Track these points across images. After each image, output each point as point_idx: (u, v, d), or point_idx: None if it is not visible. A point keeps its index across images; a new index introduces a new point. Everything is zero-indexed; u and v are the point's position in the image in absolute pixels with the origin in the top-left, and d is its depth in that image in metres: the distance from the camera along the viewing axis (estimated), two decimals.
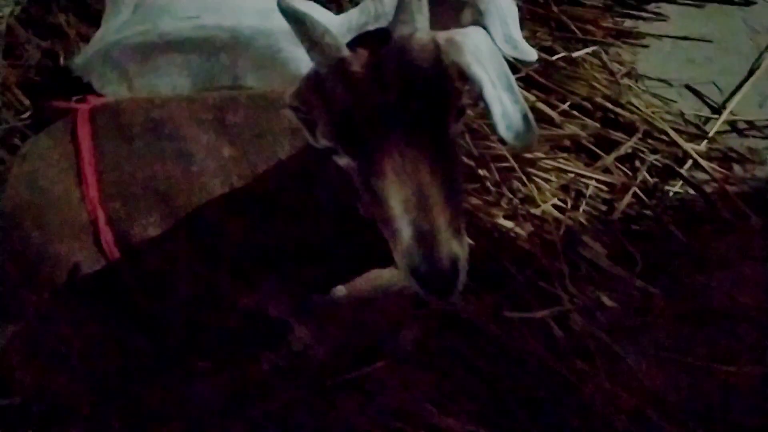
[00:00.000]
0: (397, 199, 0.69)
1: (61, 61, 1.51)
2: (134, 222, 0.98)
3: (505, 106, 0.78)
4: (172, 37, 1.18)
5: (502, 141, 1.23)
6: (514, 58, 1.06)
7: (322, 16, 1.23)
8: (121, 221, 0.98)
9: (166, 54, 1.19)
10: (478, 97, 0.78)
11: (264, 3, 1.25)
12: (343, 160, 0.76)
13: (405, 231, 0.69)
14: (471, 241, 1.17)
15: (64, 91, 1.21)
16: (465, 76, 0.75)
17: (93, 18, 1.56)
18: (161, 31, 1.19)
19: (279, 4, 0.75)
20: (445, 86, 0.73)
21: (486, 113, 0.79)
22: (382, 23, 1.10)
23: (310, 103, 0.76)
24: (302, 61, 1.15)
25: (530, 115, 0.78)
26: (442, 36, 0.77)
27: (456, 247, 0.69)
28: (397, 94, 0.71)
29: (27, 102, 1.45)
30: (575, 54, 1.42)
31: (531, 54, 1.06)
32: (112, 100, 1.10)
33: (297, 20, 0.74)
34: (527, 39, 1.35)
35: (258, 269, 1.02)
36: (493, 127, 0.76)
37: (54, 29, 1.57)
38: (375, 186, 0.71)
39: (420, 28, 0.74)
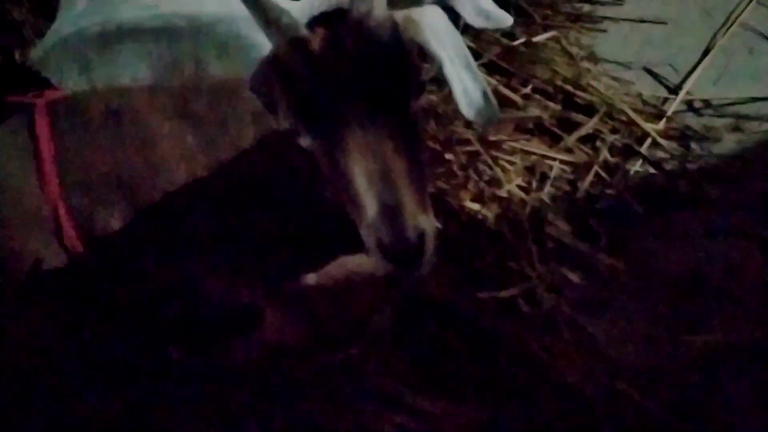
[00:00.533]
0: (361, 174, 0.70)
1: (16, 56, 1.48)
2: (97, 213, 0.96)
3: (465, 83, 0.79)
4: (131, 26, 1.16)
5: (466, 121, 1.26)
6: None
7: (282, 1, 1.22)
8: (84, 213, 0.96)
9: (126, 44, 1.17)
10: (439, 75, 0.78)
11: None
12: (305, 141, 0.76)
13: (370, 205, 0.69)
14: (439, 225, 1.18)
15: (20, 87, 1.19)
16: (423, 54, 0.76)
17: (48, 12, 1.53)
18: (120, 21, 1.16)
19: None
20: (404, 62, 0.74)
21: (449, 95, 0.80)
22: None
23: (271, 85, 0.76)
24: (264, 47, 1.14)
25: (490, 92, 0.78)
26: (399, 14, 0.77)
27: (422, 220, 0.69)
28: (357, 70, 0.71)
29: None
30: (535, 39, 1.43)
31: (506, 20, 1.05)
32: (71, 93, 1.09)
33: (253, 2, 0.74)
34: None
35: (226, 256, 1.01)
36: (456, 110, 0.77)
37: (8, 24, 1.54)
38: (339, 163, 0.71)
39: (377, 5, 0.74)
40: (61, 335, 1.00)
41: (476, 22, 1.04)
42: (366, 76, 0.71)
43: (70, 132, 1.00)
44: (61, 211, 0.95)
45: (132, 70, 1.20)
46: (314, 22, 0.77)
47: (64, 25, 1.24)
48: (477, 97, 0.78)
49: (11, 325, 0.99)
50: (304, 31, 0.73)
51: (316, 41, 0.73)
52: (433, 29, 0.79)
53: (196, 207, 0.98)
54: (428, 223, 0.70)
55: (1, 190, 0.97)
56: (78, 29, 1.20)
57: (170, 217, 0.98)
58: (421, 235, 0.68)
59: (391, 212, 0.68)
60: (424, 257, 0.70)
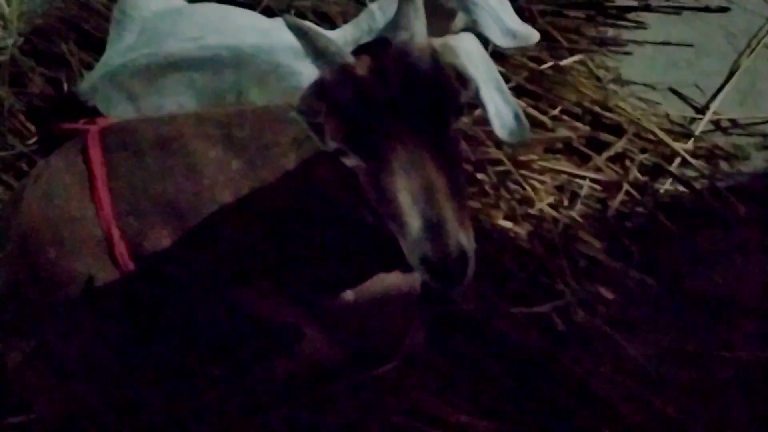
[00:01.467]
0: (405, 192, 0.73)
1: (65, 88, 1.55)
2: (147, 236, 1.00)
3: (498, 105, 0.83)
4: (177, 58, 1.22)
5: (497, 141, 1.29)
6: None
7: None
8: (135, 236, 1.00)
9: (172, 74, 1.23)
10: (474, 97, 0.82)
11: (263, 23, 1.30)
12: (351, 161, 0.80)
13: (414, 223, 0.72)
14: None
15: (69, 117, 1.24)
16: (460, 78, 0.80)
17: (94, 46, 1.60)
18: (166, 53, 1.22)
19: (285, 20, 0.79)
20: (444, 85, 0.77)
21: (483, 116, 0.83)
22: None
23: (318, 109, 0.80)
24: (302, 75, 1.19)
25: (521, 113, 0.83)
26: (437, 41, 0.82)
27: (463, 237, 0.72)
28: (401, 95, 0.75)
29: (32, 128, 1.48)
30: (562, 62, 1.47)
31: (532, 36, 1.08)
32: (121, 120, 1.13)
33: (302, 33, 0.78)
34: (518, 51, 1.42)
35: (268, 277, 1.04)
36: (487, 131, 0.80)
37: (57, 58, 1.61)
38: (384, 182, 0.75)
39: (418, 33, 0.79)
40: (112, 352, 1.03)
41: (504, 42, 1.08)
42: (408, 100, 0.75)
43: (121, 158, 1.05)
44: (114, 232, 0.99)
45: (177, 100, 1.26)
46: (359, 50, 0.82)
47: (112, 57, 1.31)
48: (509, 118, 0.82)
49: (64, 343, 1.02)
50: (350, 59, 0.78)
51: (361, 68, 0.77)
52: (469, 55, 0.83)
53: (241, 229, 1.02)
54: (469, 239, 0.73)
55: (57, 213, 1.02)
56: (126, 61, 1.26)
57: (216, 239, 1.02)
58: (463, 251, 0.71)
59: (434, 229, 0.71)
60: (466, 272, 0.72)
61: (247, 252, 1.03)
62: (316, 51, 0.78)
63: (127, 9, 1.34)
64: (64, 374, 1.03)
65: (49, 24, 1.66)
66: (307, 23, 0.79)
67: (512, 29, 1.08)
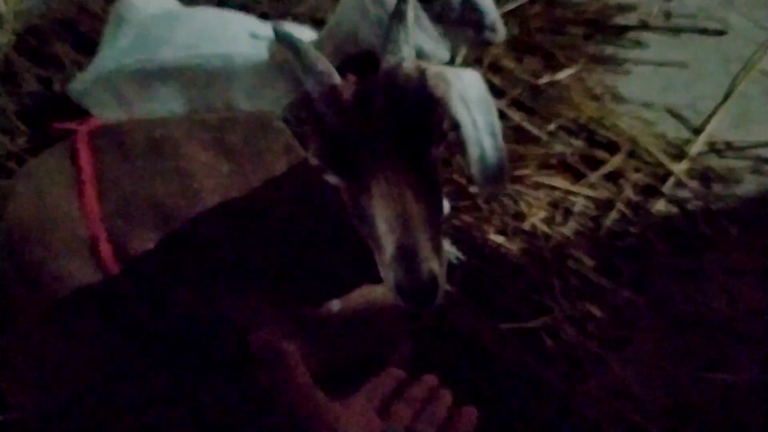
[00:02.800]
0: (382, 219, 0.74)
1: (57, 88, 1.54)
2: (133, 238, 0.99)
3: (484, 150, 0.83)
4: (171, 66, 1.21)
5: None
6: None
7: (306, 35, 1.27)
8: (121, 237, 0.99)
9: (165, 82, 1.22)
10: (457, 138, 0.82)
11: (260, 29, 1.29)
12: (332, 179, 0.80)
13: (389, 248, 0.73)
14: (463, 257, 1.20)
15: (61, 117, 1.24)
16: (447, 110, 0.80)
17: (89, 48, 1.59)
18: (160, 60, 1.21)
19: (275, 31, 0.79)
20: (429, 116, 0.78)
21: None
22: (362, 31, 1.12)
23: (302, 119, 0.80)
24: (290, 92, 1.19)
25: (506, 164, 0.82)
26: (432, 71, 0.81)
27: (434, 264, 0.73)
28: (384, 123, 0.75)
29: (23, 128, 1.47)
30: (559, 76, 1.47)
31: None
32: (112, 122, 1.13)
33: (292, 46, 0.78)
34: (516, 66, 1.42)
35: (253, 283, 1.03)
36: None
37: (51, 58, 1.61)
38: (362, 204, 0.76)
39: (406, 57, 0.79)
40: (93, 353, 1.02)
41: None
42: (392, 126, 0.75)
43: (111, 159, 1.03)
44: (101, 234, 0.98)
45: (169, 106, 1.25)
46: (346, 64, 0.82)
47: (106, 59, 1.30)
48: (493, 167, 0.81)
49: (46, 341, 1.01)
50: (337, 79, 0.78)
51: (347, 91, 0.77)
52: (464, 93, 0.83)
53: (228, 234, 1.01)
54: (440, 266, 0.75)
55: (45, 211, 1.00)
56: (120, 66, 1.25)
57: (202, 243, 1.01)
58: (433, 277, 0.72)
59: (408, 256, 0.72)
60: (436, 296, 0.73)
61: (232, 257, 1.01)
62: (305, 66, 0.78)
63: (124, 12, 1.33)
64: (45, 373, 1.02)
65: (44, 24, 1.65)
66: (297, 39, 0.79)
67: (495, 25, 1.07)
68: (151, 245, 0.99)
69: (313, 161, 0.79)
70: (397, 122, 0.74)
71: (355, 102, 0.75)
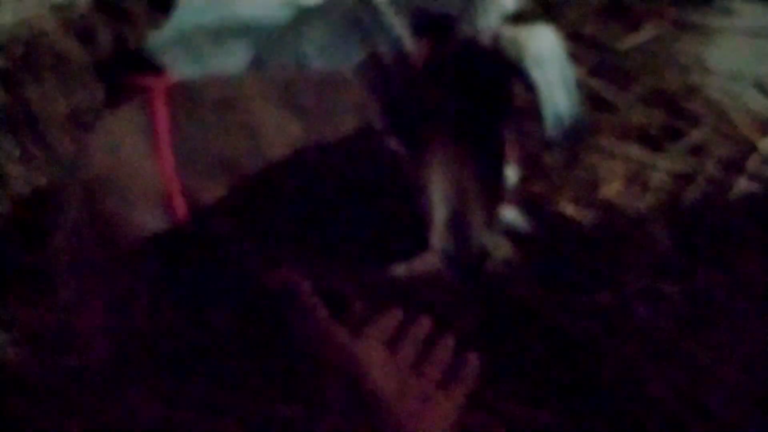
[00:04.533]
0: (438, 190, 0.76)
1: (132, 44, 1.57)
2: (204, 192, 1.02)
3: (559, 107, 0.81)
4: (245, 22, 1.23)
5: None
6: None
7: None
8: (193, 191, 1.01)
9: (239, 38, 1.24)
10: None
11: None
12: (392, 143, 0.79)
13: (440, 216, 0.76)
14: (531, 227, 1.18)
15: (137, 73, 1.27)
16: (522, 75, 0.78)
17: (162, 4, 1.61)
18: (235, 16, 1.23)
19: None
20: (501, 88, 0.76)
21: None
22: None
23: (371, 80, 0.80)
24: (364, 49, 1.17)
25: (583, 122, 0.80)
26: (507, 35, 0.79)
27: (486, 237, 0.74)
28: (451, 96, 0.76)
29: (100, 82, 1.51)
30: (640, 39, 1.41)
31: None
32: (187, 78, 1.15)
33: (369, 6, 0.77)
34: (599, 31, 1.36)
35: (321, 244, 1.04)
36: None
37: (125, 15, 1.64)
38: (420, 171, 0.76)
39: (484, 28, 0.77)
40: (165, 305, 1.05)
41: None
42: (459, 99, 0.74)
43: (184, 114, 1.05)
44: (174, 186, 1.01)
45: (242, 63, 1.26)
46: (421, 27, 0.81)
47: (183, 17, 1.33)
48: (568, 121, 0.79)
49: (116, 285, 1.05)
50: (410, 45, 0.77)
51: (419, 58, 0.76)
52: (538, 53, 0.80)
53: (296, 192, 1.02)
54: (491, 240, 0.74)
55: (119, 164, 1.03)
56: (195, 23, 1.27)
57: (270, 200, 1.02)
58: (482, 255, 0.72)
59: (458, 230, 0.73)
60: (481, 269, 0.73)
61: (300, 216, 1.03)
62: (380, 27, 0.79)
63: None
64: (120, 319, 1.07)
65: None
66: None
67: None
68: (220, 200, 1.02)
69: (377, 124, 0.79)
70: (465, 96, 0.74)
71: (425, 71, 0.76)
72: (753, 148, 1.31)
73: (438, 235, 0.75)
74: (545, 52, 0.80)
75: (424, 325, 0.74)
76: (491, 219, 0.77)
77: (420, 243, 1.04)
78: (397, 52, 0.77)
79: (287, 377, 1.07)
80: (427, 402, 0.62)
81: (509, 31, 0.79)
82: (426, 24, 0.82)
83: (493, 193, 0.77)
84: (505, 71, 0.75)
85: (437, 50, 0.77)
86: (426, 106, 0.74)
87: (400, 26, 0.77)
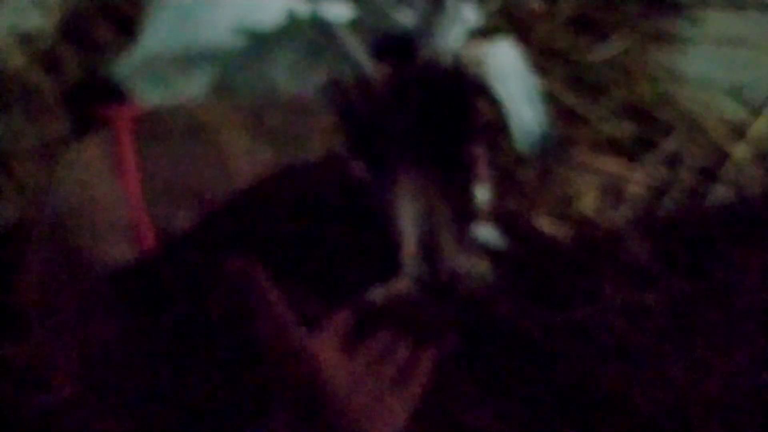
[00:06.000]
0: (406, 212, 0.76)
1: (99, 71, 1.56)
2: (173, 222, 1.01)
3: (525, 121, 0.81)
4: (212, 48, 1.22)
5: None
6: None
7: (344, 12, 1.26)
8: (162, 221, 1.00)
9: (205, 65, 1.23)
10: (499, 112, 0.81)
11: (298, 7, 1.28)
12: (356, 167, 0.80)
13: (410, 240, 0.76)
14: (507, 243, 1.17)
15: (103, 100, 1.26)
16: (486, 92, 0.78)
17: (130, 30, 1.60)
18: (201, 43, 1.23)
19: (312, 15, 0.78)
20: (465, 112, 0.77)
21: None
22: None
23: (334, 105, 0.80)
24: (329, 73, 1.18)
25: (553, 134, 0.80)
26: (468, 52, 0.79)
27: (456, 263, 0.76)
28: (414, 118, 0.76)
29: (65, 113, 1.50)
30: (610, 50, 1.41)
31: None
32: (153, 107, 1.14)
33: (328, 32, 0.78)
34: (568, 44, 1.37)
35: (293, 268, 1.03)
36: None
37: (93, 42, 1.63)
38: (386, 195, 0.76)
39: (443, 47, 0.77)
40: (131, 335, 1.04)
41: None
42: (424, 121, 0.74)
43: (151, 144, 1.05)
44: (143, 218, 1.00)
45: (210, 89, 1.26)
46: (381, 51, 0.81)
47: (147, 44, 1.32)
48: (536, 134, 0.79)
49: (88, 323, 1.03)
50: (371, 70, 0.77)
51: (380, 82, 0.76)
52: (501, 68, 0.80)
53: (265, 219, 1.01)
54: (461, 263, 0.73)
55: (88, 196, 1.02)
56: (162, 49, 1.27)
57: (240, 227, 1.01)
58: (454, 273, 0.72)
59: (428, 252, 0.72)
60: (454, 295, 0.73)
61: (269, 243, 1.02)
62: (341, 53, 0.79)
63: None
64: (86, 354, 1.04)
65: (86, 7, 1.67)
66: (333, 23, 0.79)
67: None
68: (190, 229, 1.01)
69: (341, 150, 0.79)
70: (430, 119, 0.74)
71: (387, 94, 0.75)
72: (726, 156, 1.31)
73: (408, 260, 0.75)
74: (507, 67, 0.80)
75: (384, 332, 0.74)
76: (462, 239, 0.76)
77: (393, 267, 1.05)
78: (358, 76, 0.77)
79: (238, 368, 1.07)
80: (378, 400, 0.63)
81: (470, 48, 0.80)
82: (386, 46, 0.82)
83: (464, 213, 0.77)
84: (467, 90, 0.75)
85: (398, 73, 0.77)
86: (390, 130, 0.74)
87: (359, 50, 0.77)
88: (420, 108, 0.74)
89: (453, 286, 0.76)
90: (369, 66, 0.77)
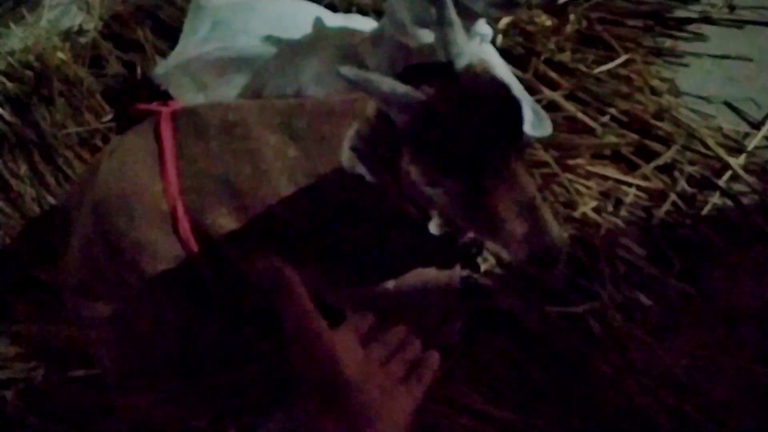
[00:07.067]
0: (507, 206, 0.79)
1: (139, 71, 1.65)
2: (207, 213, 1.07)
3: (528, 110, 0.87)
4: (246, 55, 1.29)
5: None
6: None
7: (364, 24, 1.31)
8: (196, 212, 1.07)
9: (240, 69, 1.30)
10: None
11: (331, 19, 1.35)
12: (439, 190, 0.84)
13: (518, 230, 0.79)
14: None
15: (143, 99, 1.32)
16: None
17: (168, 34, 1.69)
18: (237, 49, 1.29)
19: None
20: (513, 102, 0.81)
21: None
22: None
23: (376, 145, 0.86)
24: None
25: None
26: (481, 60, 0.85)
27: (560, 232, 0.80)
28: (481, 120, 0.78)
29: (108, 107, 1.58)
30: (613, 64, 1.47)
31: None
32: (191, 104, 1.20)
33: (365, 84, 0.79)
34: (574, 58, 1.43)
35: (315, 262, 1.10)
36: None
37: (133, 44, 1.72)
38: (483, 202, 0.80)
39: (472, 55, 0.81)
40: (172, 319, 1.11)
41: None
42: (489, 123, 0.78)
43: (189, 139, 1.11)
44: (179, 208, 1.06)
45: (242, 93, 1.33)
46: (409, 77, 0.84)
47: (187, 47, 1.40)
48: (530, 115, 0.84)
49: (129, 306, 1.11)
50: (421, 95, 0.78)
51: (439, 103, 0.78)
52: (501, 68, 0.87)
53: (293, 214, 1.07)
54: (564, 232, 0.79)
55: (129, 185, 1.09)
56: (199, 53, 1.34)
57: (269, 221, 1.07)
58: (562, 244, 0.79)
59: (539, 232, 0.78)
60: (561, 258, 0.80)
61: (297, 236, 1.08)
62: (384, 98, 0.80)
63: (202, 1, 1.42)
64: (128, 335, 1.12)
65: (127, 11, 1.76)
66: (365, 73, 0.79)
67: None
68: (222, 220, 1.07)
69: (415, 176, 0.83)
70: (492, 118, 0.76)
71: (451, 109, 0.76)
72: (723, 166, 1.38)
73: (521, 246, 0.78)
74: (500, 63, 0.85)
75: (398, 330, 0.79)
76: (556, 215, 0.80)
77: (408, 262, 1.11)
78: (415, 104, 0.78)
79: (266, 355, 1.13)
80: (386, 394, 0.65)
81: (478, 57, 0.85)
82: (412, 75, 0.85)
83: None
84: (512, 97, 0.80)
85: (447, 90, 0.78)
86: (468, 142, 0.76)
87: (401, 87, 0.78)
88: (482, 114, 0.76)
89: (560, 253, 0.79)
90: (417, 93, 0.78)
